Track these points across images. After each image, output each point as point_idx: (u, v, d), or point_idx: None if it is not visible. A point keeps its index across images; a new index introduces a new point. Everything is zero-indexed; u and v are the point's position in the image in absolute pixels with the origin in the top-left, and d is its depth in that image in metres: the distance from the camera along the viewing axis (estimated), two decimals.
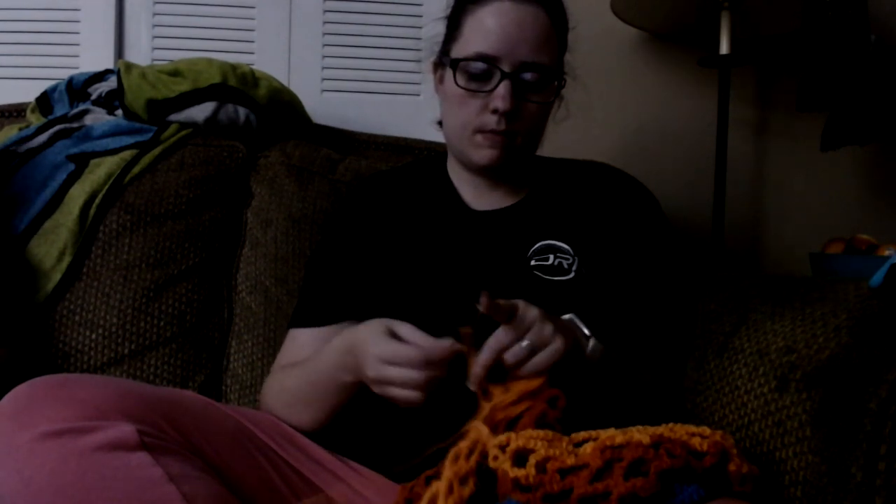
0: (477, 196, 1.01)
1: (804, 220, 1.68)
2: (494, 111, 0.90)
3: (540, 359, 0.73)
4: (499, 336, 0.74)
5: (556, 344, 0.74)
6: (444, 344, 0.73)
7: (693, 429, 0.67)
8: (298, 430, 0.88)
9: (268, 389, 0.96)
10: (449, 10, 0.98)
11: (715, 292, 1.01)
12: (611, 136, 1.63)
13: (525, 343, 0.73)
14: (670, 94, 1.65)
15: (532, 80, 0.90)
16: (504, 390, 0.74)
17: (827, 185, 1.69)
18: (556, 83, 0.94)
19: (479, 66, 0.90)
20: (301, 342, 0.97)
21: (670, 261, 1.00)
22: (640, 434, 0.66)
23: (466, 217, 0.99)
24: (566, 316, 0.83)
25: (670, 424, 0.69)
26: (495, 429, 0.71)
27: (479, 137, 0.93)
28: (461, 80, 0.92)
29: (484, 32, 0.90)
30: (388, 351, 0.74)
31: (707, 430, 0.67)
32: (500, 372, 0.75)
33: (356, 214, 1.03)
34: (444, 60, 0.95)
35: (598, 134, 1.61)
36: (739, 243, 1.67)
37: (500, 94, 0.89)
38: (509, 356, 0.73)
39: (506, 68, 0.89)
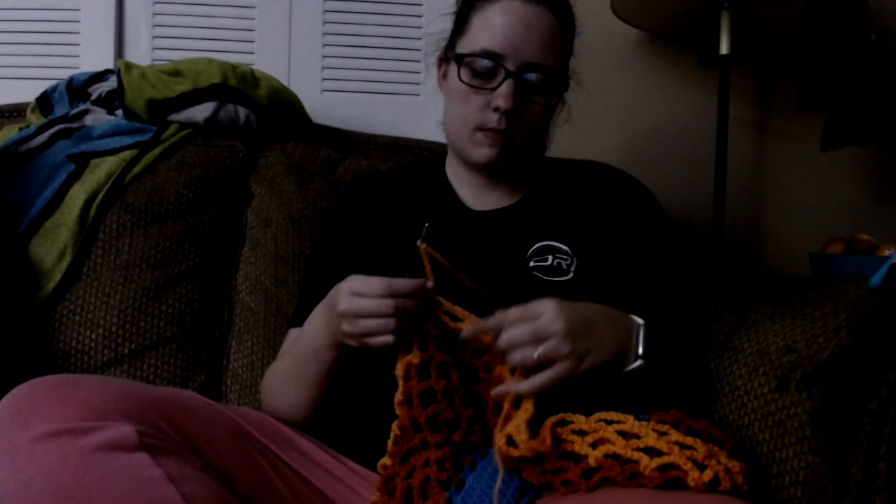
0: (475, 195, 1.01)
1: (804, 220, 1.68)
2: (496, 109, 0.90)
3: (539, 379, 0.74)
4: (514, 333, 0.74)
5: (563, 367, 0.74)
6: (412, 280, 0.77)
7: (677, 437, 0.68)
8: (288, 422, 0.88)
9: (263, 382, 0.98)
10: (457, 6, 0.98)
11: (715, 292, 1.01)
12: (611, 136, 1.63)
13: (536, 353, 0.73)
14: (670, 94, 1.65)
15: (536, 81, 0.91)
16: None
17: (827, 185, 1.68)
18: (559, 86, 0.94)
19: (484, 63, 0.90)
20: None
21: (670, 260, 1.00)
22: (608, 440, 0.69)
23: (465, 217, 0.99)
24: (639, 320, 0.82)
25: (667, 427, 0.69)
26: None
27: (479, 135, 0.93)
28: (465, 76, 0.92)
29: (491, 30, 0.90)
30: (357, 284, 0.79)
31: (690, 440, 0.68)
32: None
33: (354, 214, 1.04)
34: (450, 55, 0.96)
35: (598, 134, 1.61)
36: (739, 243, 1.67)
37: (503, 93, 0.89)
38: (516, 357, 0.74)
39: (510, 67, 0.89)
